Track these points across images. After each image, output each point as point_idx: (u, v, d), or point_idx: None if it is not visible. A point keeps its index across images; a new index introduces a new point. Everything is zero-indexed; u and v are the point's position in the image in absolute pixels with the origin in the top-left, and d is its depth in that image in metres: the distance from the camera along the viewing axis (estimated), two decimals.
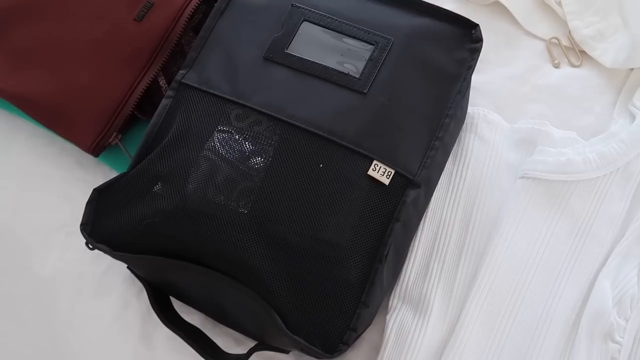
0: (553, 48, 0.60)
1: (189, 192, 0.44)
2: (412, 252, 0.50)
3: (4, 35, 0.57)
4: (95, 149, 0.55)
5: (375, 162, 0.45)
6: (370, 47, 0.48)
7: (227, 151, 0.45)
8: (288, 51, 0.48)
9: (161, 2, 0.56)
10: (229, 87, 0.48)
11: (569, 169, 0.49)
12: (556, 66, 0.60)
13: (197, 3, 0.56)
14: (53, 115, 0.55)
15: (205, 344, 0.48)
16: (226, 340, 0.51)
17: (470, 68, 0.48)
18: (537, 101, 0.58)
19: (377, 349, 0.49)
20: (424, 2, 0.50)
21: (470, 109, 0.55)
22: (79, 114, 0.55)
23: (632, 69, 0.57)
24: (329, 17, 0.49)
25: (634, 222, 0.48)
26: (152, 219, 0.45)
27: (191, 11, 0.55)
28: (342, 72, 0.47)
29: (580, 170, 0.48)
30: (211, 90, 0.48)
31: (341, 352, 0.42)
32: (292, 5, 0.50)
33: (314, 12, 0.49)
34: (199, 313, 0.52)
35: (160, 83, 0.56)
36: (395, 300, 0.49)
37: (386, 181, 0.44)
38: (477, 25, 0.49)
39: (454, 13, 0.50)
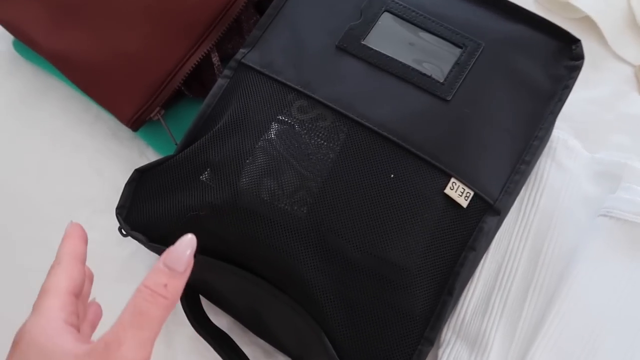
0: None
1: (242, 187, 0.39)
2: (472, 282, 0.45)
3: None
4: (135, 122, 0.50)
5: (453, 179, 0.39)
6: (458, 49, 0.43)
7: (286, 145, 0.40)
8: (364, 43, 0.43)
9: None
10: (294, 74, 0.43)
11: None
12: None
13: None
14: (94, 80, 0.50)
15: (232, 352, 0.43)
16: (254, 350, 0.47)
17: (567, 88, 0.43)
18: (620, 131, 0.53)
19: None
20: (521, 7, 0.45)
21: None
22: (122, 82, 0.50)
23: None
24: (413, 11, 0.44)
25: None
26: (197, 212, 0.40)
27: None
28: (424, 74, 0.42)
29: None
30: (274, 75, 0.43)
31: None
32: None
33: (397, 3, 0.44)
34: (228, 316, 0.47)
35: (213, 60, 0.51)
36: (449, 334, 0.44)
37: (464, 203, 0.39)
38: (579, 40, 0.44)
39: (554, 23, 0.44)
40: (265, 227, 0.38)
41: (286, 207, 0.39)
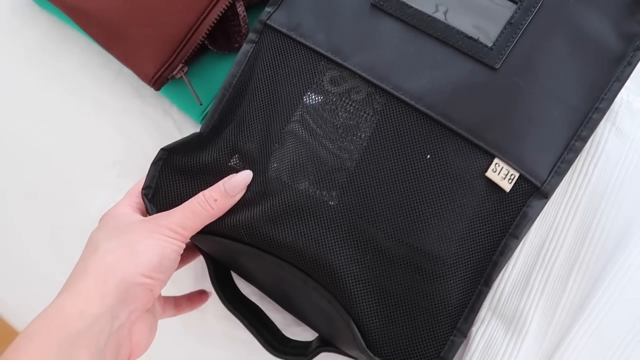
0: None
1: (270, 176, 0.37)
2: (512, 257, 0.42)
3: None
4: (157, 81, 0.47)
5: (496, 160, 0.36)
6: (512, 5, 0.37)
7: (317, 124, 0.37)
8: (404, 0, 0.38)
9: None
10: (325, 38, 0.39)
11: None
12: None
13: None
14: (112, 35, 0.47)
15: (263, 328, 0.43)
16: (285, 318, 0.46)
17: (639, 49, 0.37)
18: None
19: None
20: None
21: None
22: (142, 38, 0.46)
23: None
24: None
25: None
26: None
27: None
28: (471, 37, 0.37)
29: None
30: (302, 40, 0.39)
31: None
32: None
33: None
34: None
35: (238, 9, 0.47)
36: (484, 311, 0.42)
37: (507, 187, 0.36)
38: None
39: None
40: (295, 215, 0.36)
41: (316, 193, 0.37)
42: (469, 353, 0.41)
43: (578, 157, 0.43)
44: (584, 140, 0.37)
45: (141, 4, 0.46)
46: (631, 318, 0.39)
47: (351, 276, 0.36)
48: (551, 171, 0.37)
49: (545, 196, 0.37)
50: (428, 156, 0.36)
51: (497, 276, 0.37)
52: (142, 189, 0.40)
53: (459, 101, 0.36)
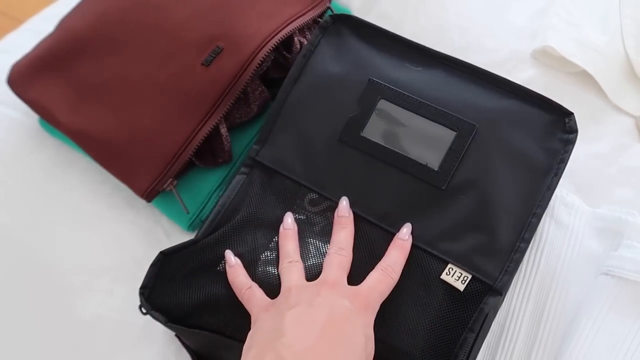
0: None
1: (258, 277, 0.42)
2: None
3: (72, 69, 0.56)
4: (150, 194, 0.53)
5: (450, 265, 0.41)
6: (452, 133, 0.44)
7: (300, 238, 0.43)
8: (363, 134, 0.45)
9: (231, 48, 0.54)
10: (303, 171, 0.46)
11: None
12: None
13: (267, 52, 0.53)
14: (111, 155, 0.54)
15: None
16: None
17: (563, 162, 0.43)
18: (623, 185, 0.53)
19: None
20: (513, 82, 0.46)
21: None
22: (137, 157, 0.53)
23: None
24: (407, 96, 0.45)
25: None
26: (215, 299, 0.43)
27: (261, 60, 0.53)
28: (420, 164, 0.43)
29: None
30: (285, 173, 0.46)
31: None
32: (370, 80, 0.46)
33: (392, 89, 0.46)
34: None
35: (221, 131, 0.54)
36: None
37: (461, 287, 0.41)
38: (572, 113, 0.45)
39: (545, 97, 0.45)
40: None
41: None
42: None
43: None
44: (527, 241, 0.43)
45: (138, 127, 0.53)
46: None
47: None
48: (502, 271, 0.42)
49: (499, 293, 0.41)
50: None
51: None
52: (140, 288, 0.44)
53: (415, 218, 0.43)
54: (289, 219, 0.44)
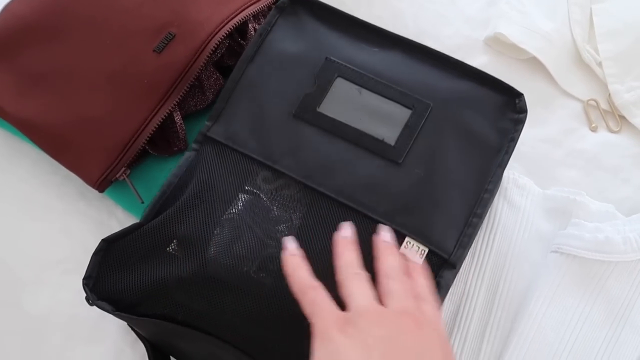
0: (591, 110, 0.57)
1: (210, 258, 0.41)
2: None
3: (17, 56, 0.54)
4: (102, 184, 0.51)
5: (407, 238, 0.41)
6: (408, 111, 0.44)
7: (252, 216, 0.42)
8: (320, 110, 0.45)
9: (183, 34, 0.53)
10: (257, 146, 0.45)
11: (608, 249, 0.45)
12: (593, 130, 0.56)
13: (221, 38, 0.53)
14: (59, 145, 0.52)
15: None
16: None
17: (513, 140, 0.45)
18: (571, 167, 0.55)
19: None
20: (467, 64, 0.47)
21: None
22: (87, 146, 0.52)
23: None
24: (364, 75, 0.46)
25: None
26: (164, 283, 0.41)
27: (214, 46, 0.53)
28: (376, 139, 0.44)
29: (620, 251, 0.45)
30: (238, 148, 0.45)
31: None
32: (327, 58, 0.46)
33: (349, 67, 0.46)
34: None
35: (176, 118, 0.53)
36: None
37: (419, 260, 0.41)
38: (522, 94, 0.46)
39: (497, 79, 0.46)
40: (232, 294, 0.40)
41: (253, 274, 0.41)
42: None
43: (480, 230, 0.49)
44: (480, 216, 0.43)
45: (86, 115, 0.52)
46: None
47: (287, 352, 0.38)
48: (456, 244, 0.42)
49: (454, 266, 0.42)
50: None
51: None
52: (84, 279, 0.42)
53: (371, 192, 0.43)
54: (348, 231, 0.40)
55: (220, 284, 0.40)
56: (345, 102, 0.45)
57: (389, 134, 0.44)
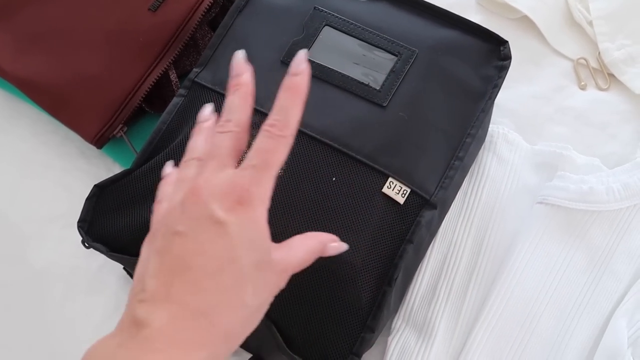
0: (580, 69, 0.58)
1: None
2: (420, 273, 0.48)
3: (14, 16, 0.55)
4: (99, 140, 0.53)
5: (390, 179, 0.42)
6: (393, 57, 0.45)
7: (241, 160, 0.43)
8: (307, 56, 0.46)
9: None
10: None
11: (591, 199, 0.46)
12: (582, 88, 0.57)
13: None
14: (58, 102, 0.53)
15: None
16: None
17: (497, 86, 0.46)
18: (560, 123, 0.55)
19: None
20: (453, 13, 0.48)
21: (489, 127, 0.52)
22: (85, 103, 0.53)
23: None
24: (351, 23, 0.47)
25: None
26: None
27: (208, 4, 0.53)
28: (362, 83, 0.45)
29: (603, 201, 0.46)
30: (225, 92, 0.46)
31: None
32: (315, 8, 0.47)
33: (337, 17, 0.47)
34: None
35: (171, 77, 0.54)
36: (399, 322, 0.47)
37: (401, 200, 0.42)
38: (506, 41, 0.47)
39: (483, 27, 0.47)
40: None
41: None
42: (386, 359, 0.45)
43: (468, 182, 0.51)
44: (462, 159, 0.44)
45: (84, 73, 0.53)
46: (523, 313, 0.45)
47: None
48: (437, 186, 0.43)
49: (434, 207, 0.43)
50: (334, 179, 0.42)
51: (400, 277, 0.42)
52: (78, 222, 0.44)
53: (356, 133, 0.43)
54: (206, 110, 0.37)
55: None
56: (333, 50, 0.46)
57: (375, 78, 0.45)
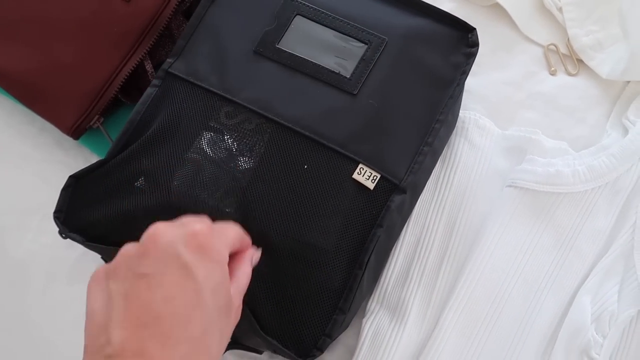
0: (551, 55, 0.59)
1: (174, 188, 0.43)
2: (393, 256, 0.49)
3: None
4: (76, 131, 0.53)
5: (360, 165, 0.43)
6: (364, 46, 0.46)
7: (215, 150, 0.44)
8: (279, 46, 0.47)
9: None
10: (218, 81, 0.47)
11: (557, 181, 0.48)
12: (552, 73, 0.59)
13: None
14: (33, 93, 0.54)
15: None
16: None
17: (465, 73, 0.47)
18: (530, 108, 0.57)
19: (352, 351, 0.48)
20: (423, 2, 0.49)
21: (461, 113, 0.53)
22: (60, 94, 0.53)
23: (628, 82, 0.56)
24: (323, 12, 0.47)
25: (618, 238, 0.47)
26: (132, 214, 0.43)
27: None
28: (333, 71, 0.45)
29: (569, 183, 0.48)
30: (199, 83, 0.47)
31: (314, 357, 0.41)
32: None
33: (308, 6, 0.48)
34: None
35: (147, 67, 0.55)
36: (373, 304, 0.48)
37: (371, 185, 0.43)
38: (474, 29, 0.48)
39: (452, 15, 0.48)
40: None
41: (216, 204, 0.43)
42: (361, 341, 0.47)
43: (440, 167, 0.52)
44: (431, 145, 0.46)
45: (59, 64, 0.53)
46: (492, 293, 0.46)
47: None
48: (407, 171, 0.45)
49: (404, 192, 0.44)
50: (305, 166, 0.43)
51: (372, 260, 0.43)
52: (54, 212, 0.44)
53: (327, 121, 0.44)
54: None
55: (184, 213, 0.42)
56: (304, 39, 0.47)
57: (345, 67, 0.46)
